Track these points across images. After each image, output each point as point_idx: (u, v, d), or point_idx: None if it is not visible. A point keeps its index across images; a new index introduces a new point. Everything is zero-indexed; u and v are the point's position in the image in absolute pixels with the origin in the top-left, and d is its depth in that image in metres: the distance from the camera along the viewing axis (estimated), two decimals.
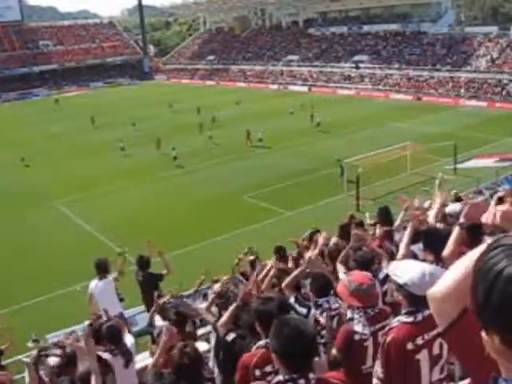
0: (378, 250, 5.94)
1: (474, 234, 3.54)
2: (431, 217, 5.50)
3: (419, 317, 3.20)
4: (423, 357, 3.28)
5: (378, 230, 7.26)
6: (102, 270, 8.55)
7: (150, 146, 35.97)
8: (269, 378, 3.23)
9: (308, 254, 5.83)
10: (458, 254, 3.04)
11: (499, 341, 1.03)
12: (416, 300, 3.08)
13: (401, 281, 3.20)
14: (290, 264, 7.54)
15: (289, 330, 2.78)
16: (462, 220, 3.15)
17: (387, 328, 3.38)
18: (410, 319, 3.25)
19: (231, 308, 4.93)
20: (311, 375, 2.76)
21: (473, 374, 1.41)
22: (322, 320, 4.47)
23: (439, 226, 5.69)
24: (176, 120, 47.50)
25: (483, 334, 1.08)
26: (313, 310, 4.85)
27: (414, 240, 4.80)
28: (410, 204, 5.61)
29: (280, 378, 2.80)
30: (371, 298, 3.98)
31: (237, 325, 4.96)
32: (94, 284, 8.57)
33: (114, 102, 63.78)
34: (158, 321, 7.11)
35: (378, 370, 3.36)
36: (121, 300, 9.07)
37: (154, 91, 73.20)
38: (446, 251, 3.07)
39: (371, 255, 5.48)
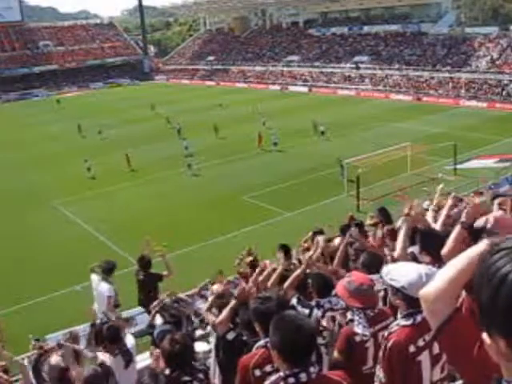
0: (378, 251, 5.91)
1: (475, 234, 3.53)
2: (438, 225, 5.41)
3: (418, 318, 3.18)
4: (424, 358, 3.27)
5: (380, 231, 7.21)
6: (106, 271, 8.52)
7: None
8: (269, 378, 3.22)
9: (307, 255, 5.80)
10: (457, 252, 3.02)
11: (505, 345, 1.03)
12: (414, 302, 3.04)
13: (398, 284, 3.18)
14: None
15: (287, 324, 2.77)
16: (463, 219, 3.14)
17: (387, 333, 3.35)
18: (410, 322, 3.23)
19: (229, 306, 4.91)
20: (312, 369, 2.73)
21: (463, 375, 1.41)
22: (324, 323, 4.45)
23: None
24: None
25: (486, 338, 1.08)
26: (315, 311, 4.84)
27: (413, 241, 4.76)
28: (411, 205, 5.54)
29: (281, 373, 2.76)
30: (371, 299, 3.97)
31: (234, 322, 4.95)
32: (95, 285, 8.59)
33: (111, 103, 63.67)
34: (158, 320, 7.11)
35: (379, 374, 3.34)
36: (116, 306, 8.77)
37: (152, 92, 72.91)
38: (446, 249, 3.04)
39: (380, 258, 5.44)
